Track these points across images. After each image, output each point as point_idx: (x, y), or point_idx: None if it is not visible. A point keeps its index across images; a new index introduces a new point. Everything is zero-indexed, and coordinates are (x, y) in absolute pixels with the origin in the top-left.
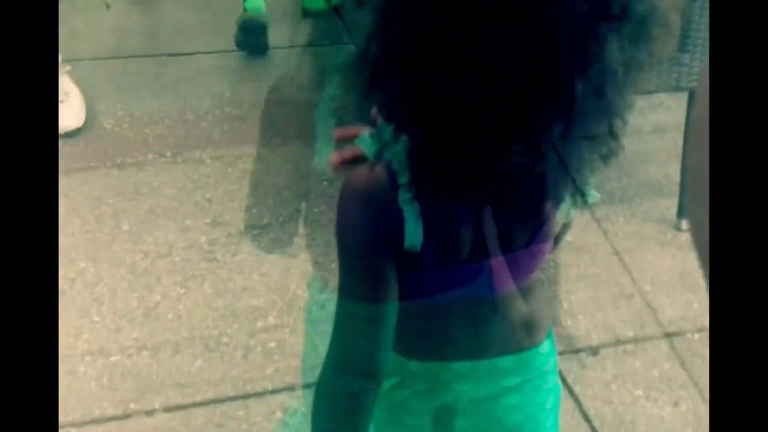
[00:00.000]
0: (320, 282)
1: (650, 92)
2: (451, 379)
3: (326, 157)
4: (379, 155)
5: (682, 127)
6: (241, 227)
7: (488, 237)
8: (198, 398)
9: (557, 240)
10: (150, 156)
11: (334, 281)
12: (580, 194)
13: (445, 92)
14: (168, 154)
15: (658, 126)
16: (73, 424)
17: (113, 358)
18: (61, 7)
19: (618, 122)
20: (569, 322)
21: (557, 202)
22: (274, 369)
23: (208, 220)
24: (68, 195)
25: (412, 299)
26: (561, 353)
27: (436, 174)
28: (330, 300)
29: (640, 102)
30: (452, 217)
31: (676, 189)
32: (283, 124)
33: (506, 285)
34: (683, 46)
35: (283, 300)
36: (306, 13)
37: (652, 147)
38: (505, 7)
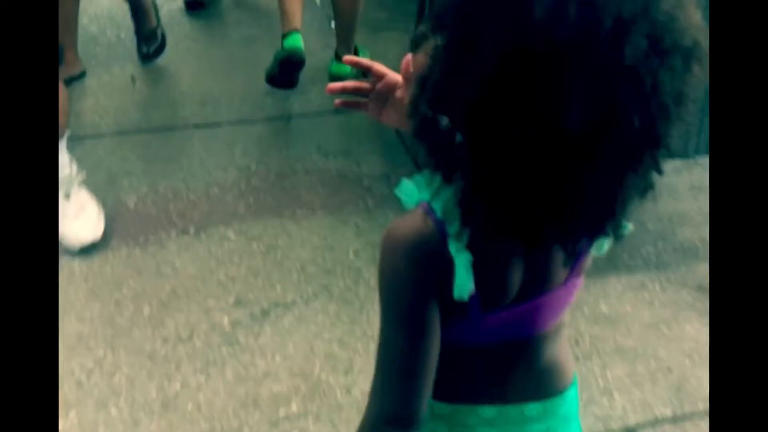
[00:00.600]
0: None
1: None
2: (476, 424)
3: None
4: (419, 203)
5: None
6: (265, 305)
7: (533, 279)
8: None
9: None
10: (173, 233)
11: (359, 362)
12: (618, 227)
13: (506, 137)
14: (191, 230)
15: (694, 186)
16: None
17: None
18: (87, 82)
19: (663, 153)
20: (605, 401)
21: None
22: None
23: (230, 300)
24: (88, 278)
25: (451, 345)
26: None
27: (495, 220)
28: (356, 384)
29: (676, 162)
30: (500, 263)
31: None
32: (309, 195)
33: (543, 325)
34: None
35: (306, 385)
36: (333, 78)
37: (688, 208)
38: (565, 49)
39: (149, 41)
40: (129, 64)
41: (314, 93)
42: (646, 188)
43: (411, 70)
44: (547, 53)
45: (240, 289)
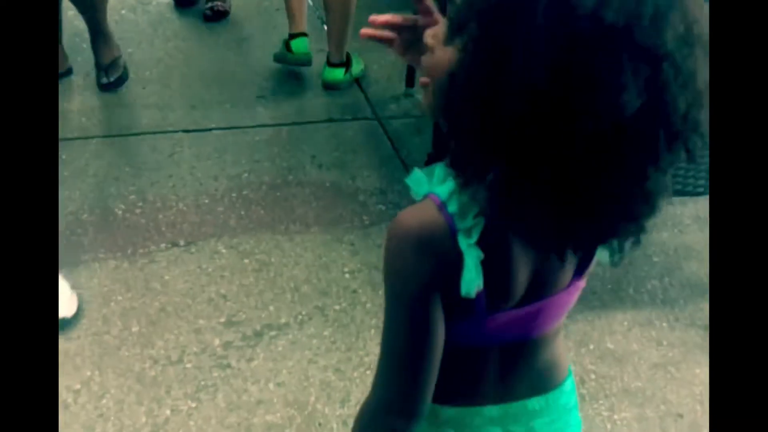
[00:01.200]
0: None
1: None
2: (482, 424)
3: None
4: (426, 195)
5: None
6: (258, 327)
7: (539, 281)
8: None
9: None
10: (162, 245)
11: (356, 392)
12: (643, 229)
13: (561, 126)
14: (181, 242)
15: (699, 217)
16: None
17: None
18: (74, 80)
19: (699, 141)
20: None
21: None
22: None
23: (222, 320)
24: (75, 290)
25: (456, 345)
26: None
27: (533, 218)
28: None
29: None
30: (508, 263)
31: None
32: (302, 208)
33: (546, 327)
34: None
35: (302, 416)
36: (326, 84)
37: (694, 240)
38: (613, 32)
39: (110, 71)
40: None
41: (307, 100)
42: (665, 189)
43: (436, 53)
44: (598, 37)
45: (232, 308)
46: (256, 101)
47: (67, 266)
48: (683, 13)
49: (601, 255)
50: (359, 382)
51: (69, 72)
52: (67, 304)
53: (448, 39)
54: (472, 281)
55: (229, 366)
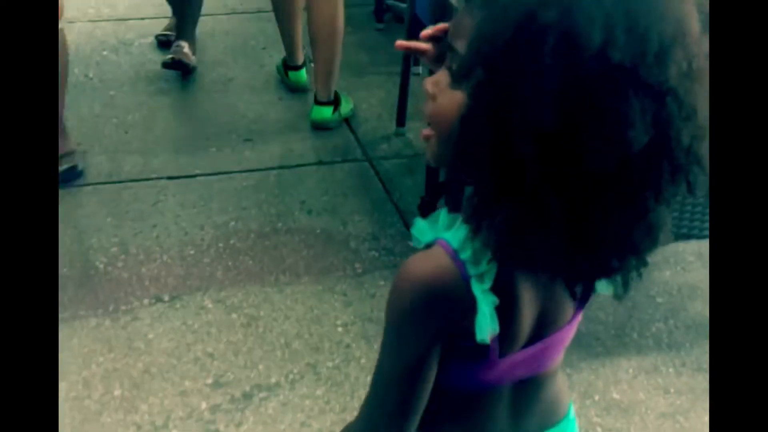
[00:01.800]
0: None
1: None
2: None
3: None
4: (434, 242)
5: None
6: (247, 388)
7: (546, 320)
8: None
9: None
10: (146, 301)
11: None
12: (644, 262)
13: (572, 165)
14: (166, 297)
15: (702, 254)
16: None
17: None
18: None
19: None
20: None
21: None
22: None
23: (209, 381)
24: None
25: (468, 388)
26: None
27: (534, 256)
28: None
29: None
30: (519, 305)
31: None
32: (292, 257)
33: (552, 361)
34: None
35: None
36: (315, 125)
37: (697, 279)
38: (619, 72)
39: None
40: (97, 105)
41: (295, 142)
42: (666, 222)
43: (439, 101)
44: (605, 77)
45: (219, 367)
46: (242, 144)
47: None
48: (685, 49)
49: (601, 287)
50: None
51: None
52: None
53: (453, 84)
54: (488, 325)
55: (217, 431)
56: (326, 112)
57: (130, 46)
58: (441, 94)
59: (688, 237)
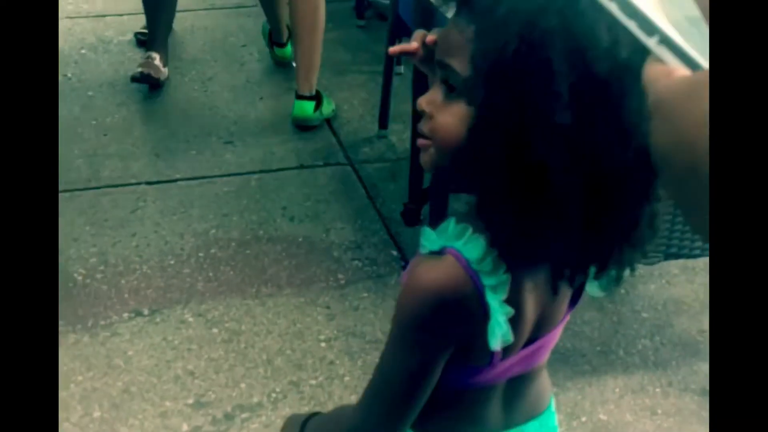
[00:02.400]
0: None
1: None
2: None
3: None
4: (442, 251)
5: None
6: (228, 408)
7: (545, 320)
8: None
9: None
10: (125, 315)
11: None
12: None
13: (587, 161)
14: (146, 311)
15: (687, 267)
16: None
17: None
18: None
19: None
20: None
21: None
22: None
23: (190, 401)
24: None
25: (465, 387)
26: None
27: (548, 251)
28: None
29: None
30: (525, 310)
31: None
32: (274, 267)
33: (543, 358)
34: None
35: None
36: (296, 121)
37: (683, 293)
38: (624, 72)
39: None
40: (76, 107)
41: (276, 144)
42: (659, 213)
43: (438, 119)
44: (614, 75)
45: (200, 386)
46: (223, 147)
47: None
48: None
49: (592, 289)
50: None
51: None
52: None
53: (449, 99)
54: (503, 334)
55: None
56: (308, 108)
57: (108, 44)
58: (438, 111)
59: (677, 256)
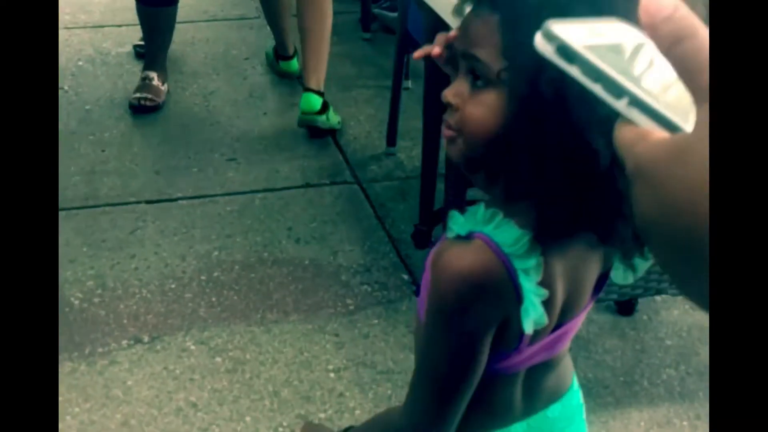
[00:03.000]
0: None
1: None
2: None
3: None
4: (470, 236)
5: None
6: None
7: (571, 305)
8: None
9: None
10: (124, 342)
11: None
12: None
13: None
14: (145, 338)
15: None
16: None
17: None
18: None
19: None
20: None
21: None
22: None
23: None
24: None
25: (492, 373)
26: None
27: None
28: None
29: None
30: (555, 294)
31: None
32: (279, 292)
33: (567, 343)
34: None
35: None
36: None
37: (706, 318)
38: None
39: None
40: (73, 121)
41: (281, 162)
42: None
43: (468, 110)
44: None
45: (203, 420)
46: (226, 165)
47: None
48: None
49: (616, 276)
50: None
51: None
52: None
53: (477, 90)
54: (538, 318)
55: None
56: (316, 102)
57: (107, 56)
58: (466, 102)
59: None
